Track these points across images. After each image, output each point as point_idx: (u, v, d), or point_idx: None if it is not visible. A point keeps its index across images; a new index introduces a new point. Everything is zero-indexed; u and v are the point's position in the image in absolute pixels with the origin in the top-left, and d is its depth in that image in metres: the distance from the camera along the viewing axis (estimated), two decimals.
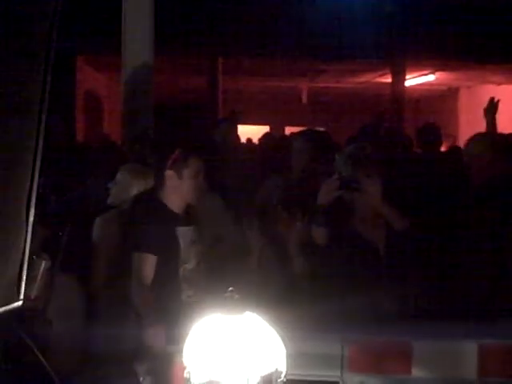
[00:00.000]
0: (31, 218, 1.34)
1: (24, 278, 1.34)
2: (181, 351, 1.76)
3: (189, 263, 3.23)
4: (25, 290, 1.34)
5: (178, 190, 3.25)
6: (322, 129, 8.50)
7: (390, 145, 5.08)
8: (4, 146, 1.26)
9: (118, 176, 3.70)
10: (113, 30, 5.90)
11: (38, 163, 1.34)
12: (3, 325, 1.39)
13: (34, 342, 1.54)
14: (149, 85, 5.60)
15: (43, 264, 2.07)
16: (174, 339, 2.74)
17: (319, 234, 3.29)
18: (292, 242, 3.58)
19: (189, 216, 3.33)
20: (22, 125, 1.33)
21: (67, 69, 8.98)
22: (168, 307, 3.10)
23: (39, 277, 1.90)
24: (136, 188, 3.60)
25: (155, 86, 5.77)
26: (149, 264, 3.13)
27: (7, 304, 1.31)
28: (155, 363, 2.62)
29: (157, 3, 5.69)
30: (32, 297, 1.87)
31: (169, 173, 3.25)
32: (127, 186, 3.62)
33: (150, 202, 3.30)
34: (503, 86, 12.80)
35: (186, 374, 1.70)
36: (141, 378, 2.69)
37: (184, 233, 3.25)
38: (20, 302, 1.34)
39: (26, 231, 1.34)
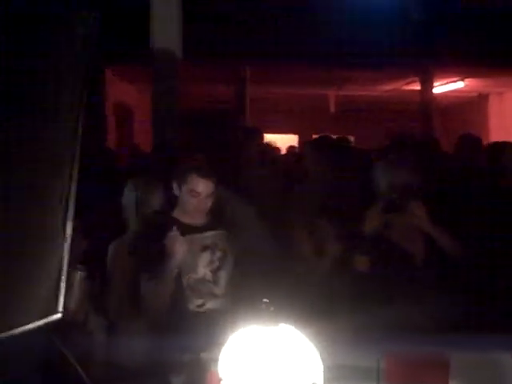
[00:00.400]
0: (69, 231, 1.35)
1: (63, 290, 1.35)
2: (215, 361, 1.75)
3: (194, 272, 3.18)
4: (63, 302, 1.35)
5: (180, 202, 3.24)
6: (350, 137, 8.48)
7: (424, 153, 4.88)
8: (42, 161, 1.27)
9: (125, 190, 3.65)
10: (141, 41, 5.96)
11: (75, 177, 1.35)
12: (43, 337, 1.40)
13: (74, 354, 1.55)
14: (177, 95, 5.64)
15: (79, 275, 2.08)
16: (200, 348, 2.73)
17: (362, 262, 3.25)
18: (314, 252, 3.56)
19: (210, 222, 3.28)
20: (60, 138, 1.34)
21: (96, 80, 9.07)
22: (174, 317, 3.08)
23: (76, 289, 1.90)
24: (144, 201, 3.56)
25: (183, 95, 5.81)
26: (149, 287, 3.10)
27: (46, 316, 1.32)
28: (191, 375, 2.61)
29: (185, 13, 5.73)
30: (71, 309, 1.87)
31: (174, 184, 3.25)
32: (132, 200, 3.58)
33: (153, 222, 3.27)
34: None
35: None
36: None
37: (192, 241, 3.21)
38: (59, 315, 1.35)
39: (64, 244, 1.35)
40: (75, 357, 1.54)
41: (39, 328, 1.32)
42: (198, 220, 3.25)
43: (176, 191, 3.26)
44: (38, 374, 1.57)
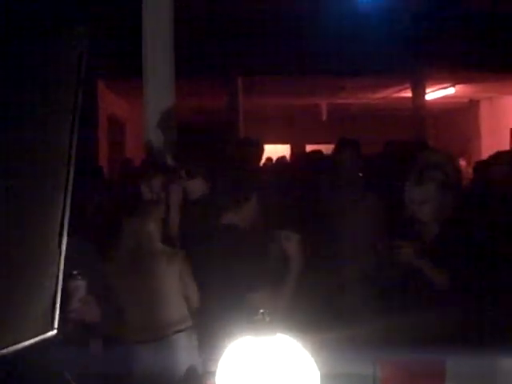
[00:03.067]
0: (64, 247, 1.35)
1: (58, 307, 1.35)
2: (213, 374, 1.75)
3: None
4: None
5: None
6: None
7: None
8: (37, 174, 1.29)
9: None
10: (133, 54, 5.97)
11: (70, 192, 1.36)
12: (39, 354, 1.40)
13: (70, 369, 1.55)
14: (170, 108, 5.64)
15: (76, 283, 2.06)
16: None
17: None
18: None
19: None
20: (55, 150, 1.36)
21: (88, 94, 9.08)
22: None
23: (74, 298, 1.88)
24: None
25: (176, 108, 5.81)
26: None
27: (42, 333, 1.33)
28: None
29: (176, 25, 5.75)
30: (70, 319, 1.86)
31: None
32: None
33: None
34: None
35: None
36: None
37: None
38: (54, 331, 1.35)
39: (59, 260, 1.36)
40: (71, 372, 1.54)
41: (35, 345, 1.32)
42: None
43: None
44: None
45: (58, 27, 1.41)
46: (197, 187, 3.99)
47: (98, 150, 9.65)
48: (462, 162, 9.74)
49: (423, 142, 6.48)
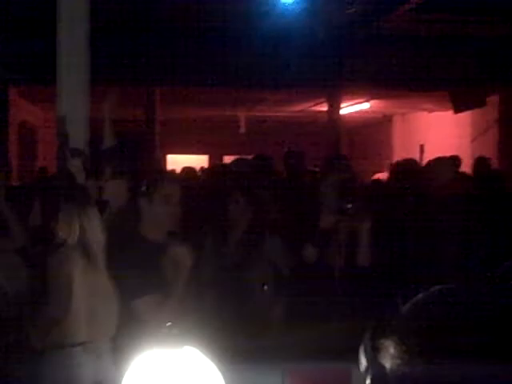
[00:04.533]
0: None
1: None
2: None
3: None
4: None
5: (152, 217, 3.14)
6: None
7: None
8: None
9: None
10: (47, 60, 5.84)
11: None
12: None
13: None
14: (84, 116, 5.54)
15: None
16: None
17: (311, 254, 3.38)
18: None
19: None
20: None
21: None
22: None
23: None
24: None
25: (91, 117, 5.73)
26: None
27: None
28: None
29: (92, 33, 5.67)
30: None
31: (142, 200, 3.16)
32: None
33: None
34: (435, 113, 13.21)
35: None
36: None
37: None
38: None
39: None
40: None
41: None
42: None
43: (145, 207, 3.17)
44: None
45: None
46: (118, 188, 3.92)
47: (8, 157, 9.36)
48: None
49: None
